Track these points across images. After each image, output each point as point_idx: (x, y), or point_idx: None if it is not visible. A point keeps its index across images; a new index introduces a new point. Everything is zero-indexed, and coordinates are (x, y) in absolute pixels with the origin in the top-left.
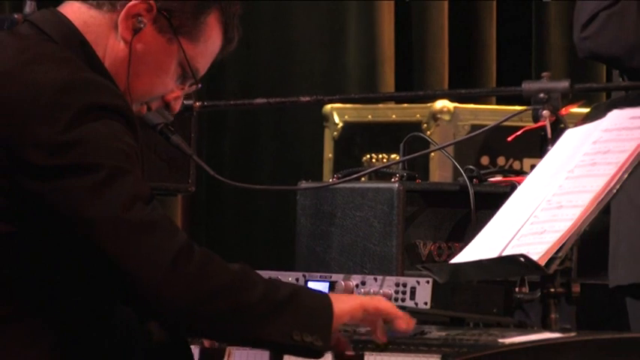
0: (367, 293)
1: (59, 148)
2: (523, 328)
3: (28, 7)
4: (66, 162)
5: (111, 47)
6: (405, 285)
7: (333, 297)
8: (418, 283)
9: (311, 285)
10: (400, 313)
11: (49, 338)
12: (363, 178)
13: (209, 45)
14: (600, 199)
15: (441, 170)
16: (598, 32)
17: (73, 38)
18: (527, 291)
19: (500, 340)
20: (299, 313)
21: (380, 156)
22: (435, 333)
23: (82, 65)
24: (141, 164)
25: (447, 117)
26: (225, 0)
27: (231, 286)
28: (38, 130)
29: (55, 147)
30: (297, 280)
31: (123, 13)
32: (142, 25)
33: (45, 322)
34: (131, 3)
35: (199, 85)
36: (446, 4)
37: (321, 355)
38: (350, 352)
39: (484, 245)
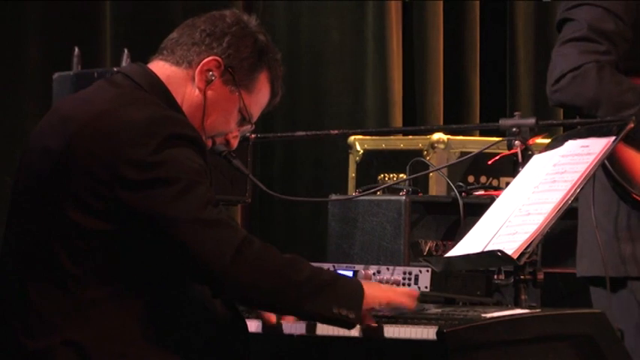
0: (382, 280)
1: (148, 166)
2: (500, 305)
3: (125, 62)
4: (154, 176)
5: (188, 95)
6: (410, 273)
7: (366, 284)
8: (420, 271)
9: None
10: (410, 304)
11: (141, 312)
12: (378, 193)
13: (260, 97)
14: (559, 208)
15: (437, 186)
16: (565, 88)
17: (157, 87)
18: (503, 278)
19: (483, 315)
20: (338, 293)
21: (391, 175)
22: (433, 310)
23: (164, 106)
24: (209, 180)
25: (442, 146)
26: (272, 62)
27: (283, 269)
28: (132, 153)
29: (145, 166)
30: (328, 269)
31: (199, 68)
32: (212, 78)
33: (137, 299)
34: (205, 60)
35: (253, 127)
36: (441, 61)
37: (353, 327)
38: (373, 324)
39: (470, 243)
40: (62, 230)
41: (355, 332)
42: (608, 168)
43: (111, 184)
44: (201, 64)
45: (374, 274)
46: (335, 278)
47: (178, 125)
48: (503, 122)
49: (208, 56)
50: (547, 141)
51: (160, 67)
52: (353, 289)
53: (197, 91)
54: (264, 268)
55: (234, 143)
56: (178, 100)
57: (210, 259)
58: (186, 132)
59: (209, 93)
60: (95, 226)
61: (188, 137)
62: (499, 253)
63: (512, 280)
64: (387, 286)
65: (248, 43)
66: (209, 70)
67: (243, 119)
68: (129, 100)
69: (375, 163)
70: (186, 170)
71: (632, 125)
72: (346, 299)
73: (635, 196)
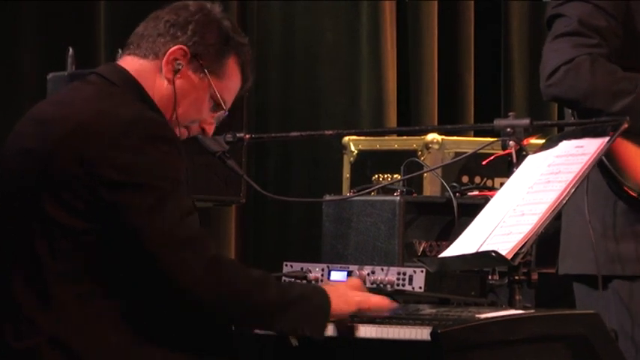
0: (375, 280)
1: (127, 167)
2: (494, 306)
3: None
4: (131, 180)
5: (158, 86)
6: (404, 274)
7: (334, 296)
8: (415, 272)
9: (333, 274)
10: (381, 306)
11: (125, 308)
12: (372, 193)
13: (231, 82)
14: (553, 208)
15: (432, 187)
16: (559, 81)
17: (129, 82)
18: (498, 278)
19: (477, 315)
20: (303, 313)
21: (385, 176)
22: (427, 310)
23: (141, 104)
24: (186, 180)
25: (436, 146)
26: (240, 47)
27: (251, 288)
28: (111, 152)
29: (123, 166)
30: (322, 269)
31: (165, 58)
32: (179, 67)
33: (121, 296)
34: (170, 50)
35: (227, 113)
36: (436, 61)
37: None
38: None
39: (465, 243)
40: (45, 229)
41: (348, 333)
42: (605, 163)
43: (91, 184)
44: (167, 53)
45: (368, 274)
46: (300, 296)
47: (157, 126)
48: (498, 123)
49: (174, 45)
50: (541, 141)
51: (128, 61)
52: (318, 306)
53: (166, 82)
54: (234, 288)
55: (210, 130)
56: (150, 92)
57: (181, 278)
58: (165, 133)
59: (178, 82)
60: (78, 224)
61: (167, 138)
62: (493, 254)
63: (507, 280)
64: (356, 292)
65: (213, 29)
66: (175, 59)
67: (217, 106)
68: (105, 97)
69: (369, 163)
70: (164, 177)
71: (626, 125)
72: (310, 320)
73: (628, 190)
